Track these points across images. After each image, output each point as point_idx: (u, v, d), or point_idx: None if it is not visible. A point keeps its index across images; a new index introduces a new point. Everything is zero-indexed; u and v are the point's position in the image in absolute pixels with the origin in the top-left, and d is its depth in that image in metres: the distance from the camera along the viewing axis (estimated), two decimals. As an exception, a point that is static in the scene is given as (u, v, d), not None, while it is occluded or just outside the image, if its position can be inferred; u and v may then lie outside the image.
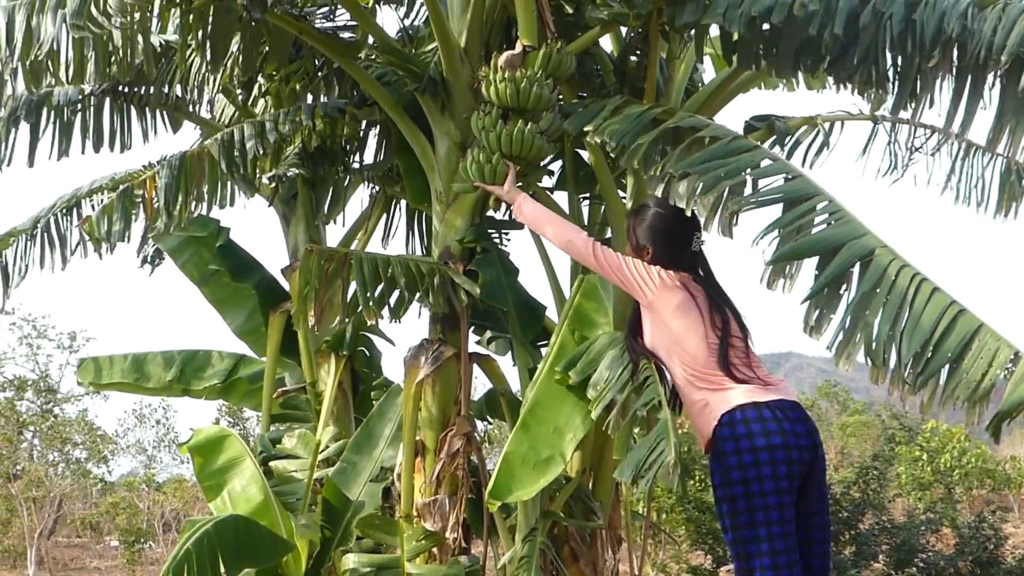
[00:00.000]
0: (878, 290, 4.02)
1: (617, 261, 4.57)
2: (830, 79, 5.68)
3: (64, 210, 7.96)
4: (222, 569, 5.98)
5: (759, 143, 5.39)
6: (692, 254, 4.57)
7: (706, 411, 4.40)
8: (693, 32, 6.18)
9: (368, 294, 5.80)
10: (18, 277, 7.60)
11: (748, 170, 4.61)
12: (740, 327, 4.50)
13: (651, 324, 4.60)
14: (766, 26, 5.52)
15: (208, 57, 6.89)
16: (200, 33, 6.72)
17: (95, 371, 8.94)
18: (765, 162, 4.74)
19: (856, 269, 4.13)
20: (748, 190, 4.56)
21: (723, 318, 4.44)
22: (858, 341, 4.01)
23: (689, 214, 4.60)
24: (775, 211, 4.47)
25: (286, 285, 8.33)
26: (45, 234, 7.57)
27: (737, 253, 4.72)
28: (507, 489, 5.75)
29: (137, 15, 6.02)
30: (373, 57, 7.43)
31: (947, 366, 3.84)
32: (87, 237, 7.14)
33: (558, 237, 4.82)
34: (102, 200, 7.84)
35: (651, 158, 5.15)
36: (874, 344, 3.97)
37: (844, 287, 4.12)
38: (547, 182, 7.50)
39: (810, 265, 4.22)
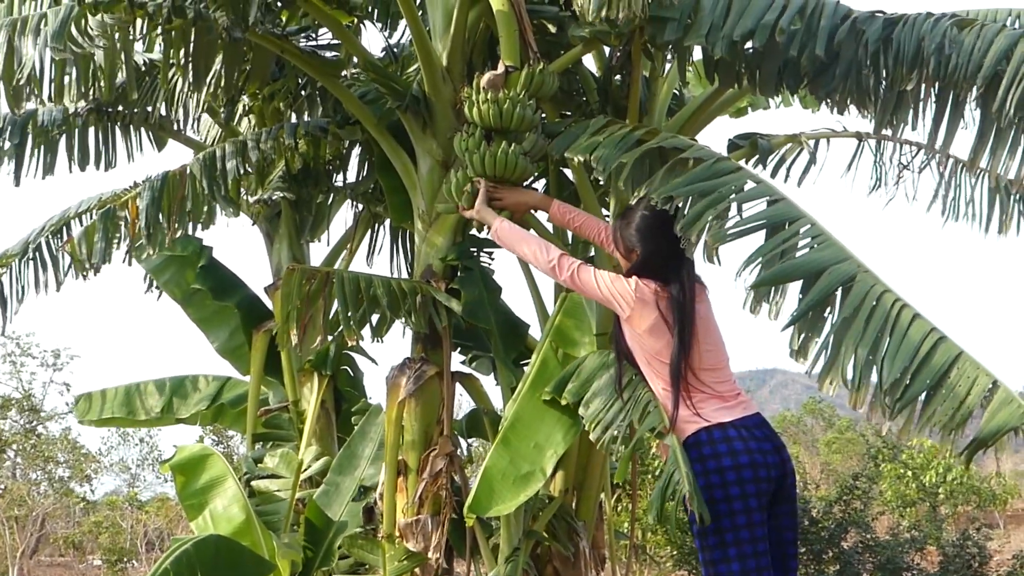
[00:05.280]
0: (859, 315, 4.02)
1: (589, 279, 4.52)
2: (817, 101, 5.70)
3: (54, 232, 7.95)
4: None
5: (742, 164, 5.40)
6: (680, 254, 4.49)
7: (674, 428, 4.43)
8: (675, 51, 6.19)
9: (349, 314, 5.79)
10: (16, 303, 7.58)
11: (732, 196, 4.59)
12: (713, 345, 4.49)
13: (629, 336, 4.59)
14: (748, 46, 5.53)
15: (191, 76, 6.88)
16: (182, 52, 6.72)
17: (90, 408, 8.99)
18: (748, 185, 4.72)
19: (839, 294, 4.13)
20: (732, 214, 4.54)
21: (690, 342, 4.41)
22: (839, 366, 4.01)
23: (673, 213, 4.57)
24: (759, 236, 4.47)
25: (269, 304, 8.31)
26: (37, 255, 7.54)
27: (723, 270, 4.71)
28: (486, 504, 5.75)
29: (118, 35, 6.01)
30: (356, 75, 7.43)
31: (925, 393, 3.85)
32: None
33: (534, 258, 4.76)
34: (90, 220, 7.84)
35: (635, 178, 5.14)
36: (853, 369, 3.98)
37: (828, 311, 4.12)
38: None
39: (796, 289, 4.23)
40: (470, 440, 8.10)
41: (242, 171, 6.78)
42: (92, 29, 5.70)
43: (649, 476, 14.43)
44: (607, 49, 6.83)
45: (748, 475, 4.26)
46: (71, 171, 8.24)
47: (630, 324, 4.49)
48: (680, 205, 4.56)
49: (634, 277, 4.47)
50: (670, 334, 4.40)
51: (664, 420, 4.54)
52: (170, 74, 7.49)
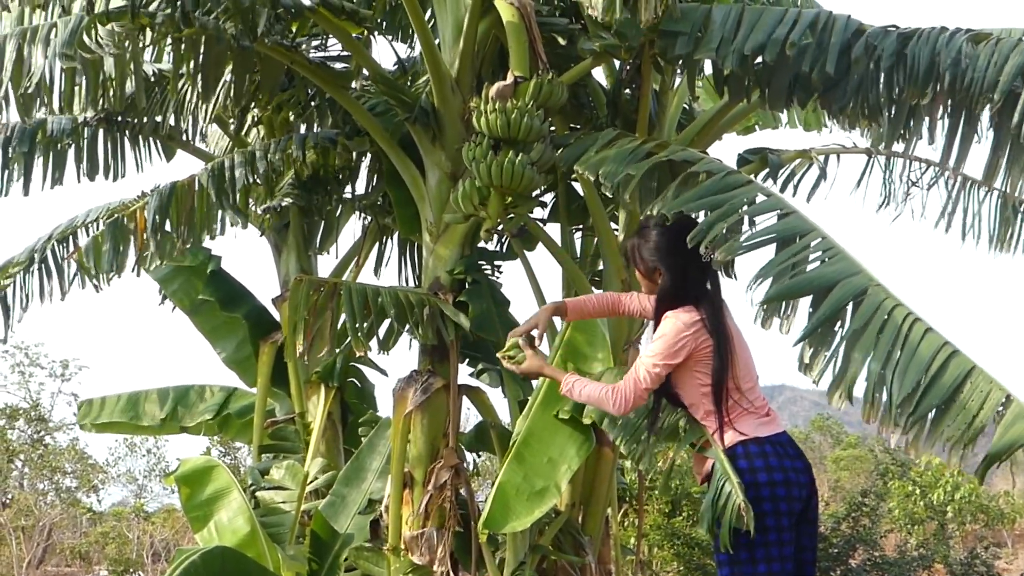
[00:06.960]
0: (870, 329, 4.00)
1: (651, 373, 4.40)
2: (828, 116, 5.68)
3: (60, 241, 7.93)
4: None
5: (752, 177, 5.38)
6: (703, 269, 4.47)
7: (707, 444, 4.40)
8: (685, 65, 6.17)
9: (357, 325, 5.77)
10: (19, 310, 7.56)
11: (742, 209, 4.56)
12: (745, 361, 4.45)
13: (681, 375, 4.49)
14: (758, 60, 5.51)
15: (200, 87, 6.87)
16: (192, 62, 6.71)
17: (93, 412, 8.99)
18: (759, 198, 4.70)
19: (849, 308, 4.10)
20: (743, 228, 4.52)
21: (729, 358, 4.37)
22: (850, 380, 3.98)
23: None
24: (770, 249, 4.44)
25: (277, 315, 8.29)
26: (43, 265, 7.53)
27: (733, 285, 4.71)
28: (502, 520, 5.73)
29: (128, 44, 6.01)
30: (366, 87, 7.41)
31: (937, 407, 3.82)
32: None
33: (600, 404, 4.59)
34: (98, 230, 7.82)
35: (644, 191, 5.12)
36: (865, 383, 3.95)
37: (838, 326, 4.09)
38: (540, 214, 7.48)
39: (806, 303, 4.20)
40: (477, 453, 8.05)
41: (250, 181, 6.78)
42: (102, 38, 5.69)
43: (655, 492, 14.38)
44: (617, 62, 6.82)
45: (782, 492, 4.22)
46: (79, 181, 8.21)
47: (696, 357, 4.42)
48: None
49: (671, 317, 4.41)
50: (713, 354, 4.35)
51: (705, 434, 4.49)
52: (179, 84, 7.49)
